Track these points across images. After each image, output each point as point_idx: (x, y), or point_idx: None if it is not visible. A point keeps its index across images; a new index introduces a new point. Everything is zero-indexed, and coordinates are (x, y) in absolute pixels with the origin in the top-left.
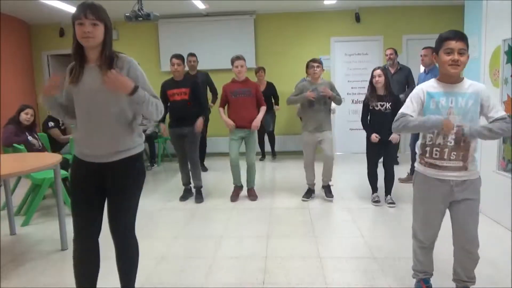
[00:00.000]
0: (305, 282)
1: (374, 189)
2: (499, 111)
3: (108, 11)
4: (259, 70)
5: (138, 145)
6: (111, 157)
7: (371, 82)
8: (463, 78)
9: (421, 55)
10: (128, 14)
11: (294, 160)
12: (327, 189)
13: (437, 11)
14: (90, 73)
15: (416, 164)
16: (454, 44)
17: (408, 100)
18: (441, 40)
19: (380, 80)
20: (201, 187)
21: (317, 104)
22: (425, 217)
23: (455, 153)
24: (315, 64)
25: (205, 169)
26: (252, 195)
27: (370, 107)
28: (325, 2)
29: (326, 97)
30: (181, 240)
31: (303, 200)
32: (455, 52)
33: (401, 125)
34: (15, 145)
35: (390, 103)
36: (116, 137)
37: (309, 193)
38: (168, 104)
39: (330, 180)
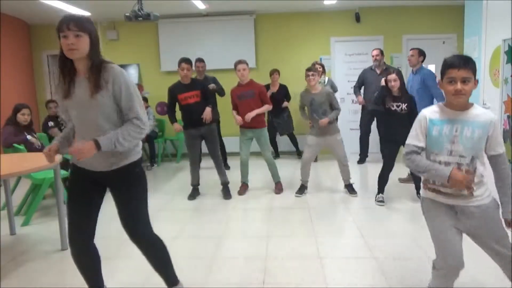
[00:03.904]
0: (305, 282)
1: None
2: (501, 146)
3: (108, 11)
4: (274, 72)
5: (135, 153)
6: (108, 167)
7: (386, 85)
8: (472, 104)
9: (408, 56)
10: (128, 14)
11: (296, 160)
12: (350, 187)
13: (437, 11)
14: (80, 86)
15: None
16: (456, 73)
17: (412, 128)
18: (444, 67)
19: (395, 84)
20: (228, 182)
21: (317, 115)
22: (439, 235)
23: None
24: (310, 73)
25: (227, 167)
26: (278, 189)
27: (386, 106)
28: (325, 2)
29: (326, 105)
30: (181, 240)
31: (296, 196)
32: (458, 82)
33: (413, 164)
34: (15, 145)
35: (405, 104)
36: (110, 151)
37: (302, 189)
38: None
39: (350, 179)
